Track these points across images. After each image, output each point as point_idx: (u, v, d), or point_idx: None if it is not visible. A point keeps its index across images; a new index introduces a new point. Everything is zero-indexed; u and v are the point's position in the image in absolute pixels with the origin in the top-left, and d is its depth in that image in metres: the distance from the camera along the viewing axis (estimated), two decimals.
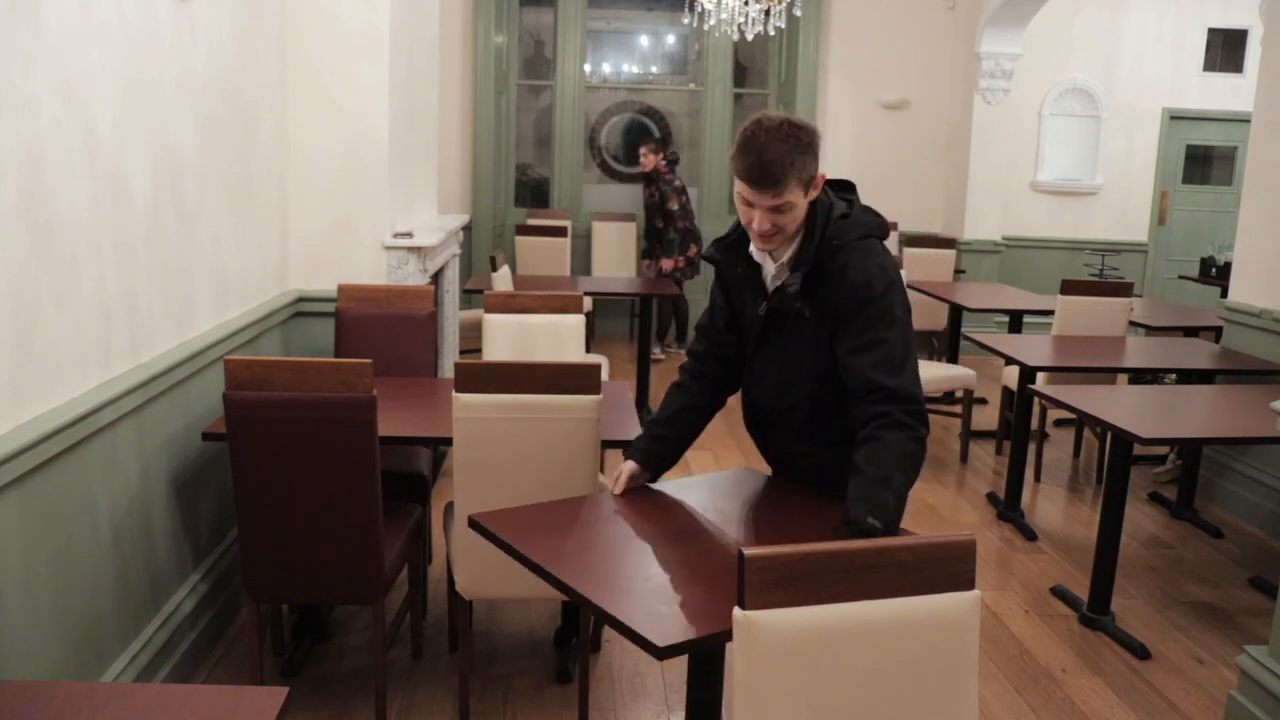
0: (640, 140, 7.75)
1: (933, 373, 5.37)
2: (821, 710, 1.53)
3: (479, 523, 2.18)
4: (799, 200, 2.16)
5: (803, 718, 1.52)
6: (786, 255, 2.26)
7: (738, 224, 2.31)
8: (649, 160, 7.44)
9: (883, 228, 2.29)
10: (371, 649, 3.15)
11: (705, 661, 1.93)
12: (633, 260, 8.16)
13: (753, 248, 2.31)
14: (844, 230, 2.22)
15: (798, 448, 2.40)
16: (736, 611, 1.49)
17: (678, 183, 7.49)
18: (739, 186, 2.18)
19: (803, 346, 2.28)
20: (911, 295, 5.60)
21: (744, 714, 1.51)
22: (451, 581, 2.96)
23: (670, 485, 2.51)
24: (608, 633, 3.35)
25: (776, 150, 2.11)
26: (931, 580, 1.57)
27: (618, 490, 2.38)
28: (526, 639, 3.40)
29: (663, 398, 2.55)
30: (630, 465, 2.40)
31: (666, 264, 7.44)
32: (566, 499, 2.42)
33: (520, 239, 7.29)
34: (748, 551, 1.47)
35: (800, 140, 2.13)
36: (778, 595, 1.48)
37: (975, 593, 1.60)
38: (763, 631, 1.48)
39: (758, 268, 2.33)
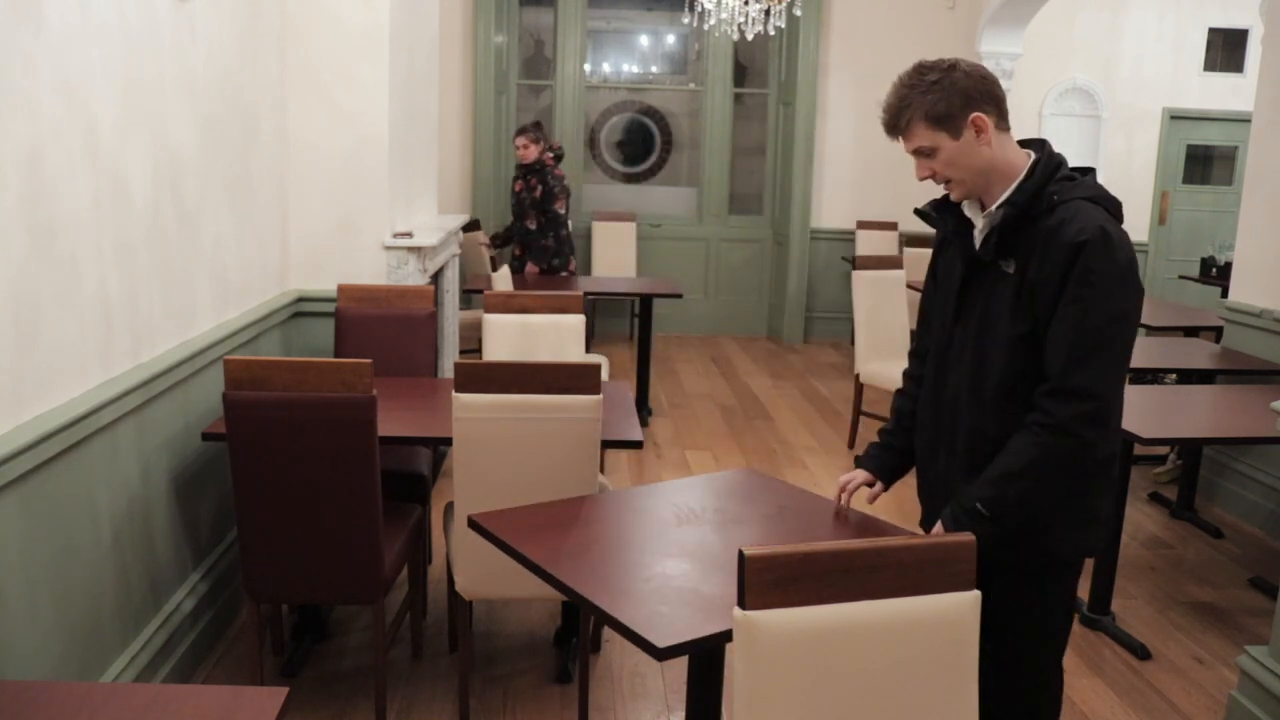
0: (519, 131, 6.47)
1: None
2: (821, 710, 1.53)
3: (479, 523, 2.18)
4: (942, 143, 1.99)
5: (803, 718, 1.53)
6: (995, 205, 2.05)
7: None
8: (530, 151, 6.34)
9: (1117, 206, 2.02)
10: (371, 649, 3.15)
11: (705, 661, 1.93)
12: (634, 260, 8.14)
13: (965, 204, 2.13)
14: (1066, 188, 1.98)
15: (983, 454, 2.06)
16: (736, 611, 1.49)
17: (566, 181, 6.54)
18: None
19: (1001, 307, 2.02)
20: (911, 295, 5.52)
21: (744, 714, 1.51)
22: (451, 581, 2.96)
23: (670, 485, 2.52)
24: (608, 633, 3.35)
25: (895, 96, 2.02)
26: (931, 580, 1.57)
27: (841, 500, 2.28)
28: (526, 639, 3.40)
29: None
30: (861, 474, 2.32)
31: (533, 271, 6.40)
32: (566, 499, 2.42)
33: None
34: (748, 551, 1.47)
35: (923, 80, 1.99)
36: (778, 595, 1.48)
37: (975, 593, 1.60)
38: (763, 631, 1.48)
39: (969, 227, 2.13)
